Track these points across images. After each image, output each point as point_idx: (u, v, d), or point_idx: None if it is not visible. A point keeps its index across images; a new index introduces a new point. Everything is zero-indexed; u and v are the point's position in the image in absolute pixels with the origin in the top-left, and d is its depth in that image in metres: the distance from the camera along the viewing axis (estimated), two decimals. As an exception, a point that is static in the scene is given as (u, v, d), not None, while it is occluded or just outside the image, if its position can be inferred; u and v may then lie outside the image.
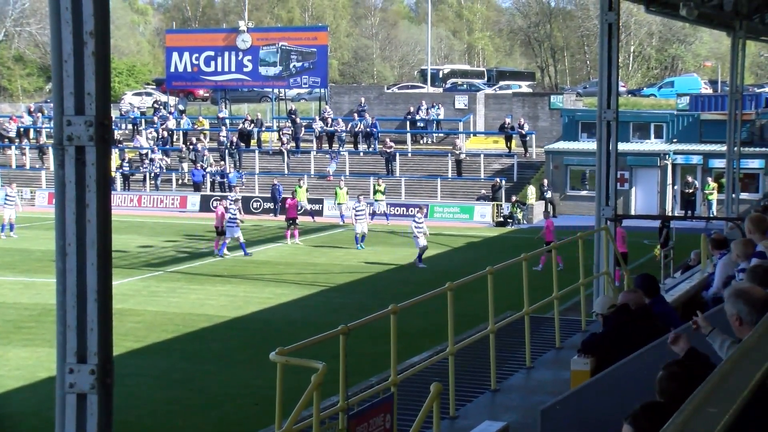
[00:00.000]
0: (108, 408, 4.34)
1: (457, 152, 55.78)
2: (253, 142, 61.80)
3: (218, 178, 56.82)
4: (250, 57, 64.81)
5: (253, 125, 62.27)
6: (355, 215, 40.49)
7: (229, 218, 38.10)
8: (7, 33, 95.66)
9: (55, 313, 4.31)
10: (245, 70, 65.15)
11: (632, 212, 48.34)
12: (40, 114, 67.94)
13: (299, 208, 45.60)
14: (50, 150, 60.78)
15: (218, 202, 42.50)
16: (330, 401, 10.77)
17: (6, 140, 65.42)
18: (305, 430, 9.13)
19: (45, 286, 31.33)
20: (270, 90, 68.10)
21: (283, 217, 44.53)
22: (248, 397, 19.95)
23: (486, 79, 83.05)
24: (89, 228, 4.37)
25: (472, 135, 61.57)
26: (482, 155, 55.81)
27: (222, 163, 58.39)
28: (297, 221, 42.22)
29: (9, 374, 21.81)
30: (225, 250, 38.08)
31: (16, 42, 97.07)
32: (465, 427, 11.37)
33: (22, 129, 66.42)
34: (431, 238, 38.05)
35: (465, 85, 75.34)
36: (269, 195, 52.55)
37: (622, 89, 64.44)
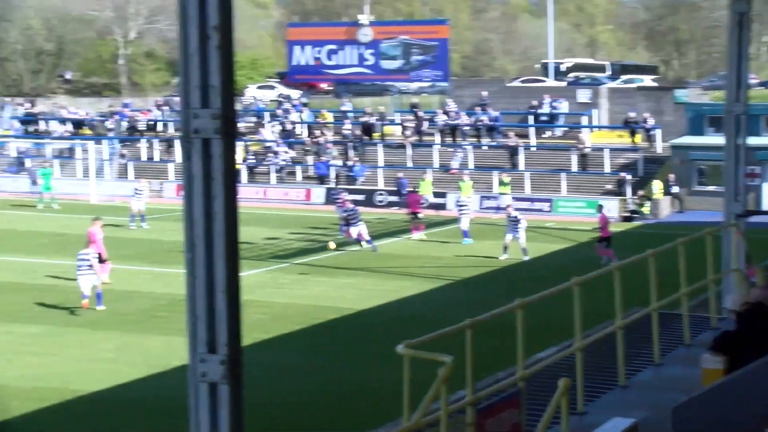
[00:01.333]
0: (238, 397, 4.37)
1: (581, 146, 55.11)
2: (376, 135, 62.03)
3: (344, 171, 57.16)
4: (371, 50, 65.04)
5: (375, 119, 62.50)
6: (459, 210, 40.33)
7: (346, 212, 38.22)
8: (139, 30, 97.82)
9: (185, 303, 4.34)
10: (367, 63, 65.40)
11: (764, 208, 47.16)
12: (167, 107, 69.32)
13: (423, 202, 45.60)
14: (178, 143, 61.97)
15: (341, 194, 42.75)
16: (456, 396, 10.69)
17: (137, 133, 66.92)
18: (433, 424, 9.09)
19: (175, 276, 31.90)
20: (392, 83, 68.23)
21: (407, 211, 44.57)
22: (373, 390, 20.00)
23: (608, 72, 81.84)
24: (217, 220, 4.38)
25: (596, 129, 60.76)
26: (607, 150, 55.01)
27: (346, 156, 58.73)
28: (419, 215, 42.18)
29: (146, 362, 22.31)
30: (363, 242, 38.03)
31: (146, 39, 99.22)
32: (594, 423, 11.20)
33: (151, 122, 67.87)
34: (556, 233, 37.66)
35: (587, 79, 74.38)
36: (393, 188, 52.67)
37: (753, 81, 62.84)
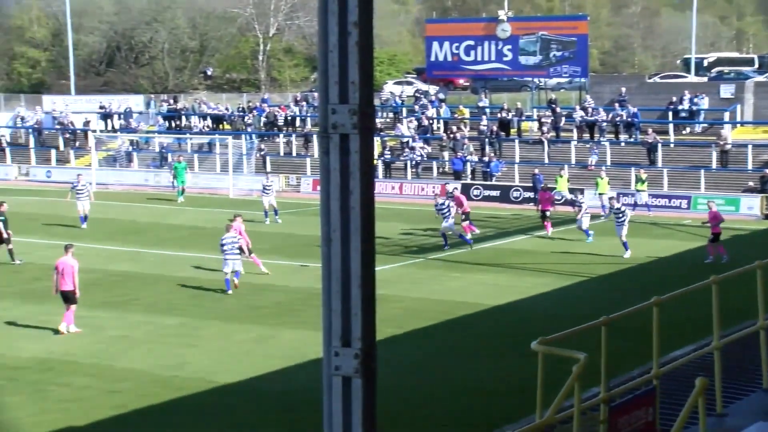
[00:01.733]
0: (371, 392, 4.40)
1: (722, 143, 53.87)
2: (513, 131, 61.70)
3: (480, 167, 57.04)
4: (509, 46, 64.66)
5: (512, 114, 62.18)
6: (579, 208, 39.61)
7: (437, 207, 38.07)
8: (279, 27, 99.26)
9: (320, 297, 4.40)
10: (505, 59, 65.06)
11: None
12: (304, 103, 70.13)
13: (559, 198, 45.18)
14: (315, 138, 62.67)
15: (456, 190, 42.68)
16: (589, 393, 10.59)
17: (275, 128, 67.91)
18: (565, 421, 9.02)
19: (312, 270, 32.31)
20: (530, 79, 67.76)
21: (538, 208, 44.21)
22: (505, 387, 19.93)
23: (756, 66, 79.69)
24: (353, 214, 4.42)
25: (738, 125, 59.29)
26: (750, 146, 53.65)
27: (482, 151, 58.58)
28: (548, 213, 41.55)
29: (281, 354, 22.65)
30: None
31: (286, 35, 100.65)
32: (735, 427, 10.95)
33: (289, 118, 68.79)
34: (694, 231, 36.88)
35: (732, 74, 72.58)
36: (529, 184, 52.33)
37: None
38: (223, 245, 29.38)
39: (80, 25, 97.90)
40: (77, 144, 72.41)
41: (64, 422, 17.91)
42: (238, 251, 29.43)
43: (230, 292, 29.11)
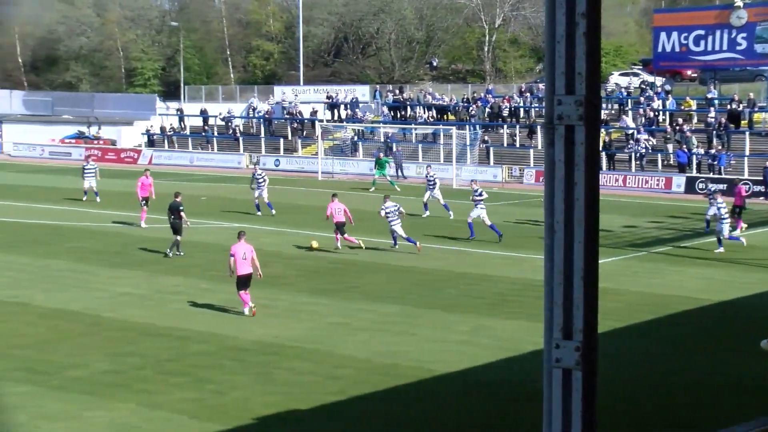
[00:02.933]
0: (592, 385, 4.37)
1: None
2: (744, 123, 59.68)
3: (707, 160, 55.48)
4: (744, 34, 62.36)
5: (744, 106, 60.14)
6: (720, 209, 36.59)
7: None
8: (505, 17, 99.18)
9: (540, 288, 4.39)
10: (738, 48, 62.83)
11: None
12: (529, 94, 69.82)
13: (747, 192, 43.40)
14: (539, 129, 62.36)
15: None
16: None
17: (499, 119, 67.91)
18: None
19: (530, 261, 32.24)
20: (766, 68, 65.30)
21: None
22: (723, 385, 19.39)
23: None
24: (577, 206, 4.39)
25: None
26: None
27: (709, 144, 56.94)
28: (743, 209, 39.45)
29: (495, 344, 22.69)
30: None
31: (511, 26, 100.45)
32: None
33: (513, 108, 68.65)
34: None
35: None
36: (759, 178, 50.53)
37: None
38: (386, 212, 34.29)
39: (311, 17, 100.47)
40: (304, 133, 74.38)
41: (287, 405, 18.45)
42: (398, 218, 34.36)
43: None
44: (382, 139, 67.86)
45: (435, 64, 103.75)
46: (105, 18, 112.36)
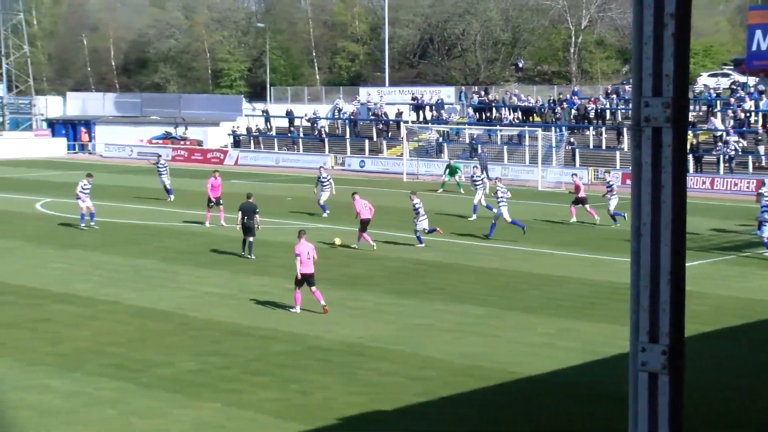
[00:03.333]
0: (678, 389, 4.33)
1: None
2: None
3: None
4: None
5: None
6: None
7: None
8: (591, 19, 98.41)
9: (627, 292, 4.37)
10: (836, 47, 61.48)
11: None
12: (615, 95, 69.17)
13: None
14: (626, 131, 61.73)
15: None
16: None
17: (585, 121, 67.39)
18: None
19: (611, 264, 31.97)
20: None
21: None
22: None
23: None
24: (664, 209, 4.36)
25: None
26: None
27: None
28: None
29: (579, 347, 22.52)
30: None
31: (598, 27, 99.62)
32: None
33: (599, 110, 68.07)
34: None
35: None
36: None
37: None
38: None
39: (396, 18, 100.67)
40: (389, 134, 74.57)
41: (371, 406, 18.50)
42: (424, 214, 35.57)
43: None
44: (467, 141, 67.72)
45: (520, 65, 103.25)
46: (193, 20, 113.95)
